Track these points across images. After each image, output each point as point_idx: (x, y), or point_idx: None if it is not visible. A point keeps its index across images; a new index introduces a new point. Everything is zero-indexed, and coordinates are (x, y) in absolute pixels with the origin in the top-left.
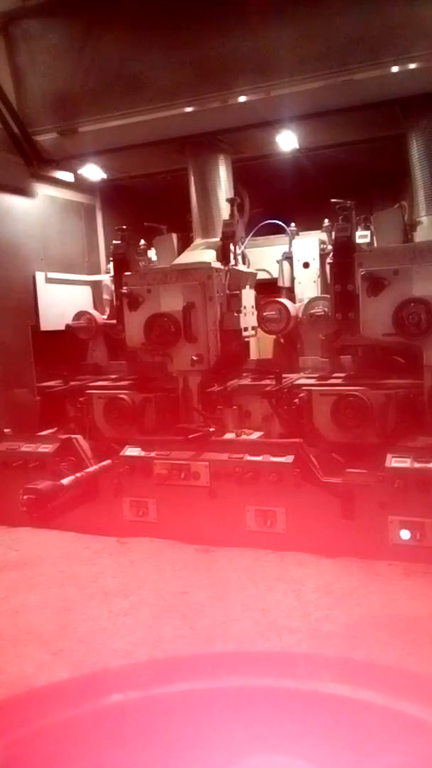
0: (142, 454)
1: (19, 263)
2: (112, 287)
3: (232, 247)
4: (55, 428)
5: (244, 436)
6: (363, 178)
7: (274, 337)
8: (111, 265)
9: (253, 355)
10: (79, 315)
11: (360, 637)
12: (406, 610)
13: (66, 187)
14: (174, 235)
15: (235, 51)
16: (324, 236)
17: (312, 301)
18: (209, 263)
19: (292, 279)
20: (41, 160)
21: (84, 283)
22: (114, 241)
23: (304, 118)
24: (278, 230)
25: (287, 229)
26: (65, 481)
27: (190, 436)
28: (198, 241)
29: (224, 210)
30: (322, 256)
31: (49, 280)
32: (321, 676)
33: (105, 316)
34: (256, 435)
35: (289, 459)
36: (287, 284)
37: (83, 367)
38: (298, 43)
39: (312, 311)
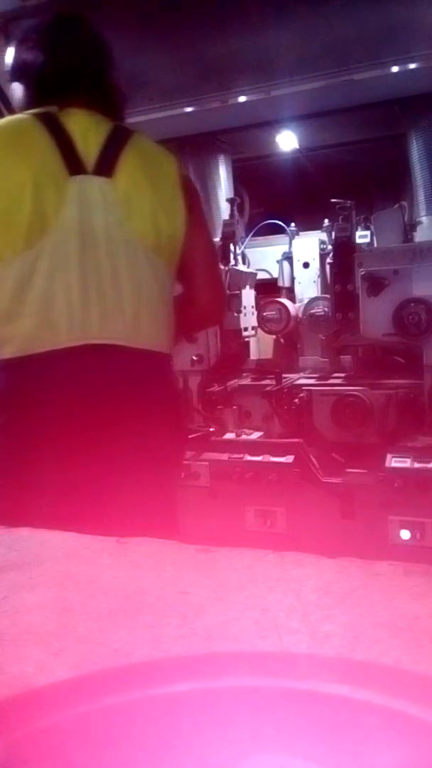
0: None
1: None
2: None
3: (232, 247)
4: None
5: (244, 436)
6: (363, 178)
7: (274, 337)
8: None
9: (253, 355)
10: None
11: (360, 637)
12: (406, 610)
13: None
14: None
15: (235, 51)
16: (324, 236)
17: (312, 301)
18: None
19: (292, 279)
20: None
21: None
22: None
23: (304, 118)
24: (278, 230)
25: (287, 229)
26: None
27: (190, 436)
28: None
29: (224, 210)
30: (322, 256)
31: None
32: (321, 676)
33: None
34: (256, 435)
35: (289, 459)
36: (287, 284)
37: None
38: (298, 43)
39: (312, 311)
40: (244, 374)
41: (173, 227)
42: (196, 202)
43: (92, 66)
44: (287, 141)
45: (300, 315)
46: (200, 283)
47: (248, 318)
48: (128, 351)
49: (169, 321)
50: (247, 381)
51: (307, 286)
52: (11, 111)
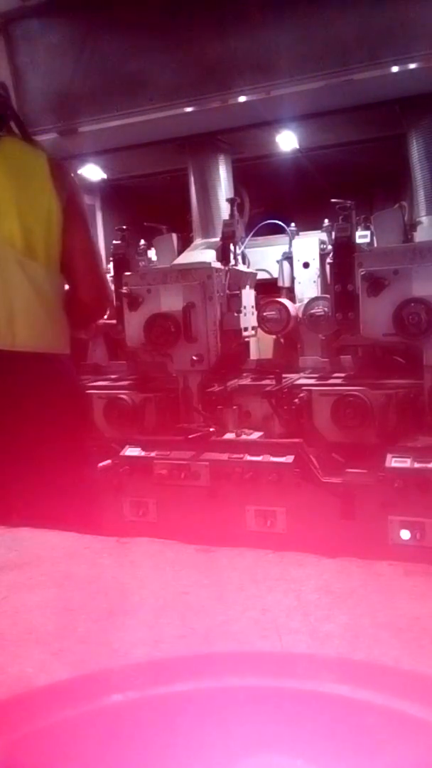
0: (142, 454)
1: None
2: (112, 287)
3: (232, 247)
4: None
5: (244, 436)
6: (363, 178)
7: (274, 337)
8: (111, 265)
9: (253, 355)
10: None
11: (360, 637)
12: (406, 610)
13: None
14: (174, 235)
15: (235, 51)
16: (324, 236)
17: (312, 301)
18: (209, 263)
19: (292, 279)
20: None
21: None
22: (114, 241)
23: (304, 118)
24: (278, 230)
25: (287, 229)
26: None
27: (190, 436)
28: (198, 241)
29: (224, 210)
30: (322, 256)
31: None
32: (321, 676)
33: (105, 316)
34: (256, 435)
35: (289, 459)
36: (287, 284)
37: (83, 367)
38: (298, 43)
39: (312, 311)
40: (244, 374)
41: (45, 226)
42: (74, 197)
43: None
44: (287, 141)
45: (300, 315)
46: (79, 278)
47: (248, 318)
48: (4, 354)
49: (54, 321)
50: (247, 381)
51: (307, 286)
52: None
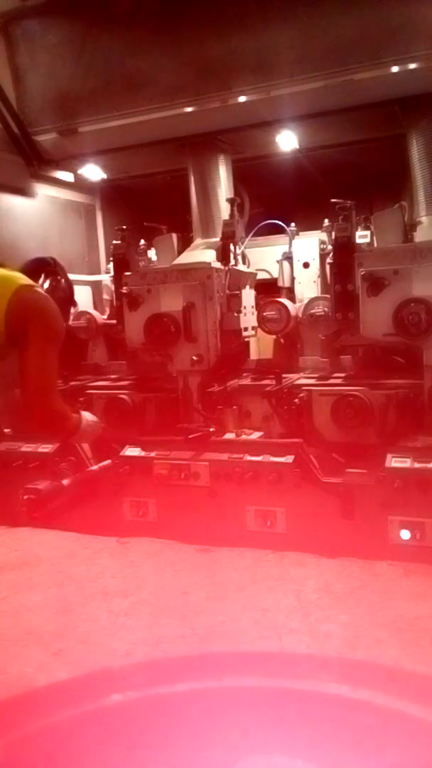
0: (142, 454)
1: (19, 263)
2: (112, 287)
3: (232, 247)
4: None
5: (244, 436)
6: (363, 178)
7: (274, 337)
8: (111, 265)
9: (253, 355)
10: (79, 315)
11: (360, 637)
12: (406, 610)
13: (66, 187)
14: (174, 235)
15: (235, 51)
16: (324, 236)
17: (312, 301)
18: (209, 263)
19: (292, 279)
20: (41, 160)
21: (84, 283)
22: (114, 241)
23: (304, 118)
24: (278, 230)
25: (287, 229)
26: (65, 481)
27: (190, 436)
28: (198, 241)
29: (224, 210)
30: (322, 256)
31: None
32: (321, 676)
33: (105, 316)
34: (256, 435)
35: (289, 459)
36: (287, 284)
37: (83, 367)
38: (298, 43)
39: (312, 311)
40: (244, 374)
41: None
42: (27, 322)
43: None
44: (287, 141)
45: (300, 315)
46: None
47: (248, 318)
48: None
49: None
50: (247, 381)
51: (307, 286)
52: (11, 111)
